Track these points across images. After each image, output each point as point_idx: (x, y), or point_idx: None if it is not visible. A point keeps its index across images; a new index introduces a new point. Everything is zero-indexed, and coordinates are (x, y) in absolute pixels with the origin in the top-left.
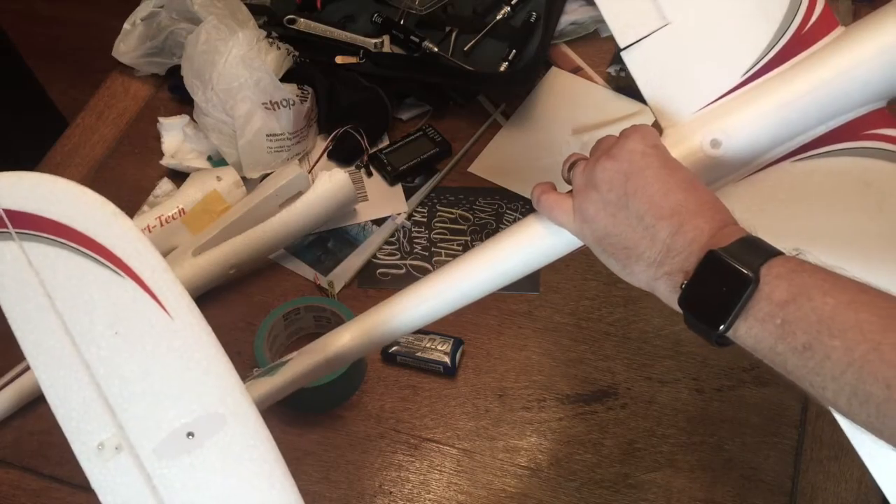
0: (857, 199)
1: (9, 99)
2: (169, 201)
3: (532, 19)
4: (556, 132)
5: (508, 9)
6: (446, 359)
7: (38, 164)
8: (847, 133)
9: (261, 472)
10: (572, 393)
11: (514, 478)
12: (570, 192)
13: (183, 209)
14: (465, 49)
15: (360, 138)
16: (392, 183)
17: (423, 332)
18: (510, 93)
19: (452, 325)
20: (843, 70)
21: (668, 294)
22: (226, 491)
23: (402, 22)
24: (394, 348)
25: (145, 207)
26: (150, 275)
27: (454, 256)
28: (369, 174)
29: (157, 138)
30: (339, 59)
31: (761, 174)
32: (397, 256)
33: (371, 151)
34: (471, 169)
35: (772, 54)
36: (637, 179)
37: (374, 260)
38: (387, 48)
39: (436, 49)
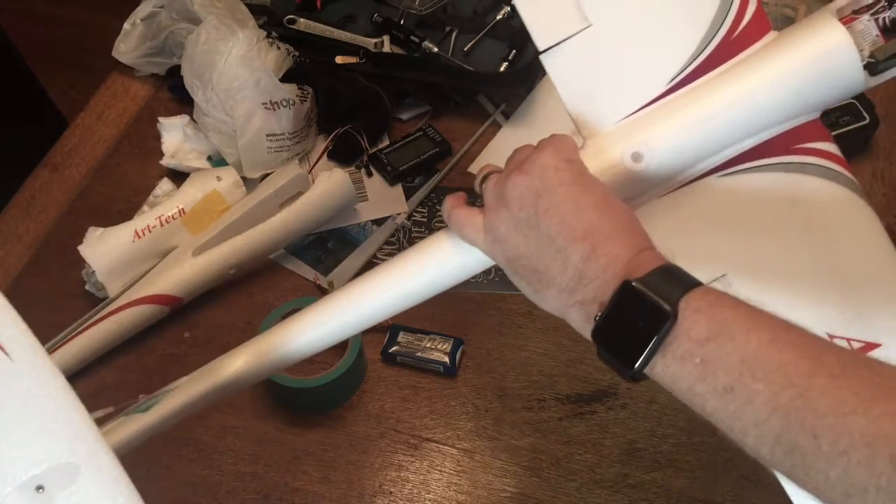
0: (784, 219)
1: (9, 99)
2: (169, 201)
3: None
4: (556, 132)
5: (508, 9)
6: (446, 359)
7: (38, 164)
8: (777, 147)
9: None
10: (572, 393)
11: (514, 478)
12: (483, 207)
13: (183, 209)
14: (465, 49)
15: (360, 138)
16: (392, 183)
17: (423, 332)
18: (510, 93)
19: (452, 325)
20: (774, 79)
21: (581, 324)
22: None
23: (402, 22)
24: (394, 348)
25: (145, 207)
26: None
27: None
28: (369, 174)
29: (157, 138)
30: (339, 59)
31: (685, 189)
32: None
33: (371, 151)
34: (471, 169)
35: (699, 60)
36: (549, 198)
37: (374, 260)
38: (387, 48)
39: (436, 49)
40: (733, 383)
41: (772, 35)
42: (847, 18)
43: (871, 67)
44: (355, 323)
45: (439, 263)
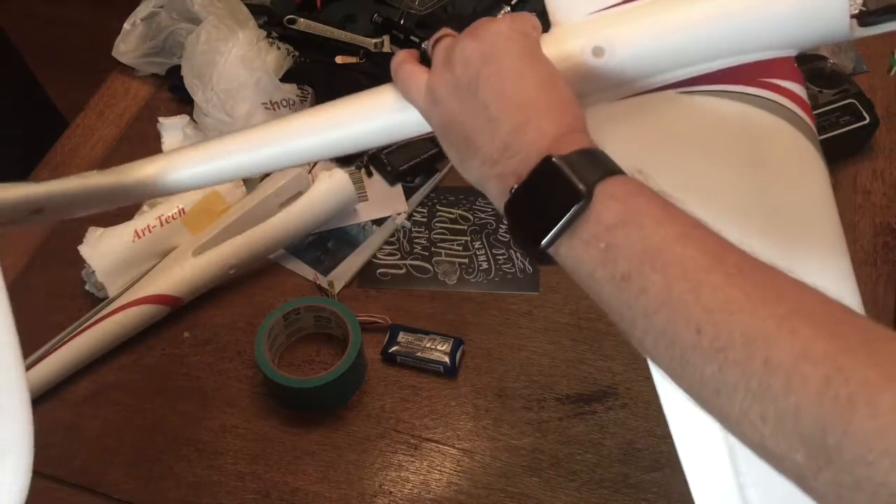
0: (733, 149)
1: (9, 99)
2: (169, 201)
3: None
4: None
5: (508, 9)
6: (446, 359)
7: (38, 164)
8: (744, 75)
9: None
10: (572, 393)
11: (514, 478)
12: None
13: (183, 209)
14: None
15: None
16: (392, 183)
17: (423, 332)
18: None
19: (452, 325)
20: (759, 3)
21: (497, 196)
22: None
23: (402, 22)
24: (394, 348)
25: (145, 207)
26: None
27: (454, 256)
28: (369, 174)
29: (157, 138)
30: (339, 59)
31: (641, 98)
32: (397, 256)
33: (371, 151)
34: None
35: None
36: (493, 65)
37: (374, 260)
38: (387, 48)
39: None
40: (631, 271)
41: None
42: None
43: (861, 17)
44: (278, 157)
45: (374, 117)
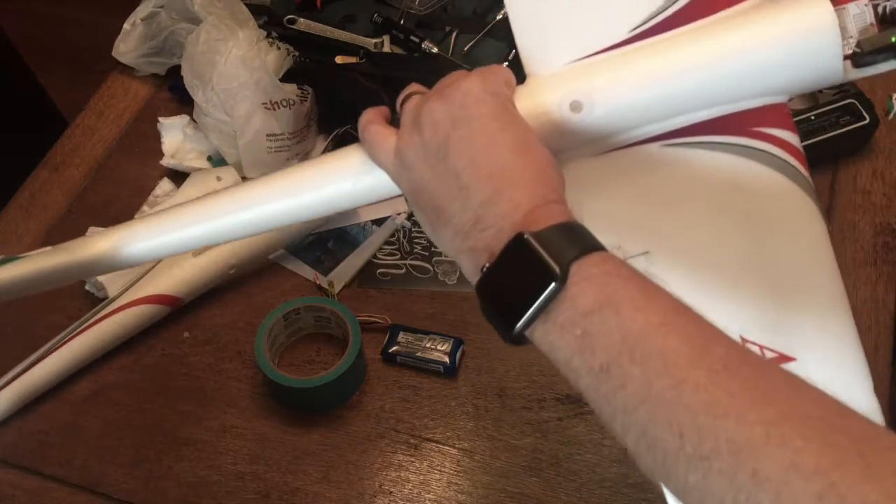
0: (723, 204)
1: (9, 99)
2: (169, 201)
3: None
4: None
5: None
6: (446, 359)
7: (38, 164)
8: (733, 125)
9: None
10: (572, 393)
11: (514, 478)
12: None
13: None
14: (465, 49)
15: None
16: None
17: (423, 332)
18: None
19: (452, 325)
20: (743, 50)
21: (469, 273)
22: None
23: (402, 22)
24: (394, 348)
25: (145, 207)
26: None
27: None
28: None
29: (157, 138)
30: (339, 59)
31: (622, 152)
32: (397, 256)
33: None
34: None
35: (669, 12)
36: (463, 129)
37: (374, 260)
38: (387, 48)
39: (436, 49)
40: (610, 363)
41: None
42: None
43: (855, 58)
44: (240, 227)
45: (342, 180)
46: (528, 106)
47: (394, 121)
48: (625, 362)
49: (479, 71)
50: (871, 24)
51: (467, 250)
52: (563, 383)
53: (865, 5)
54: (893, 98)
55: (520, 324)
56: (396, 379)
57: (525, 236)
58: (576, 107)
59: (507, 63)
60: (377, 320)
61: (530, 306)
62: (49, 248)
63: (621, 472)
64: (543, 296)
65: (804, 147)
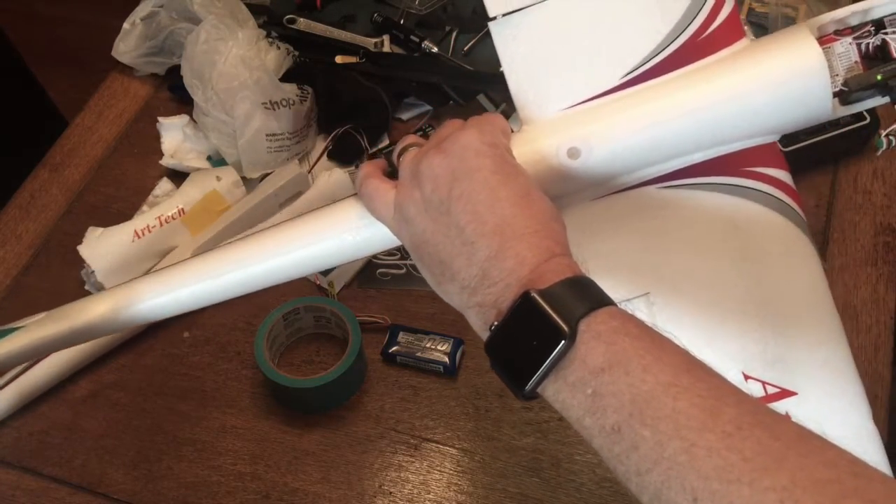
0: (720, 243)
1: (9, 99)
2: (169, 201)
3: None
4: None
5: None
6: (446, 359)
7: (38, 164)
8: (726, 166)
9: None
10: None
11: (514, 478)
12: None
13: (183, 209)
14: (465, 49)
15: (360, 138)
16: None
17: (422, 332)
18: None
19: (452, 325)
20: (736, 93)
21: (479, 330)
22: None
23: (402, 22)
24: (394, 348)
25: (145, 207)
26: None
27: None
28: None
29: (157, 138)
30: (339, 59)
31: (620, 195)
32: (397, 256)
33: (371, 151)
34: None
35: (661, 57)
36: (464, 183)
37: (374, 260)
38: (387, 48)
39: (436, 49)
40: (621, 424)
41: (744, 43)
42: (827, 38)
43: (843, 96)
44: (242, 284)
45: (342, 234)
46: (525, 153)
47: (391, 174)
48: (636, 424)
49: (475, 121)
50: (856, 61)
51: (475, 306)
52: None
53: (850, 44)
54: (882, 135)
55: (530, 383)
56: (396, 379)
57: (532, 294)
58: (573, 153)
59: None
60: (377, 320)
61: (540, 365)
62: (45, 314)
63: None
64: (553, 355)
65: (805, 147)
